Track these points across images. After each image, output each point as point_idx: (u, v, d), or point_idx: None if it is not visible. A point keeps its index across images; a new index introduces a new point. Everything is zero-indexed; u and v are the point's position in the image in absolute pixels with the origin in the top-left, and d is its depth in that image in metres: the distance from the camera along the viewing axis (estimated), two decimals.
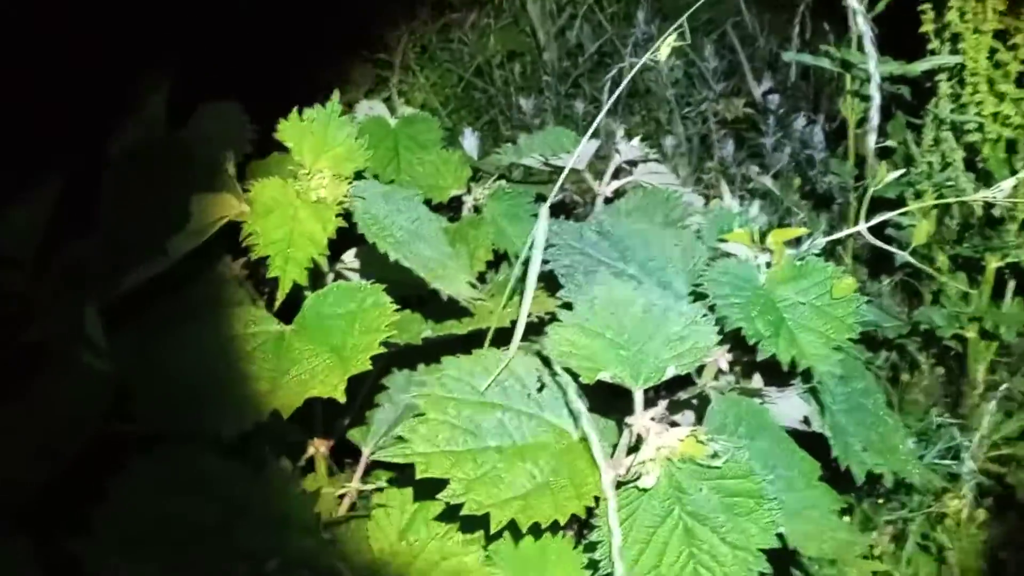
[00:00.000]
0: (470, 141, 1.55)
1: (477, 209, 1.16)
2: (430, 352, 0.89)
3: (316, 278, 0.75)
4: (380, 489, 0.84)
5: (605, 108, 0.82)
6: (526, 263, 0.81)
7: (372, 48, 2.21)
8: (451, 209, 1.21)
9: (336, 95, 1.37)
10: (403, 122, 1.28)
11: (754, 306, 0.88)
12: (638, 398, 0.68)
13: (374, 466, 0.92)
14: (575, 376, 0.68)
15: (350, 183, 0.78)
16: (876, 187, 0.94)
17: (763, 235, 0.97)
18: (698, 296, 0.89)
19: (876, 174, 0.93)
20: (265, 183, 0.74)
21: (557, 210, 1.26)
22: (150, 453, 0.64)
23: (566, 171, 0.81)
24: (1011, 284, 1.25)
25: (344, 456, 0.96)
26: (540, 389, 0.72)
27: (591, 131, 0.94)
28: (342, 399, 0.66)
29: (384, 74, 2.23)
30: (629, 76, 0.87)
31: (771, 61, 2.21)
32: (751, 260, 0.95)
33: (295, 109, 0.81)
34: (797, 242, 0.99)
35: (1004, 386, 1.18)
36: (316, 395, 0.66)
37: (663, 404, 0.74)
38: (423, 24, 2.26)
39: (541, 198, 1.27)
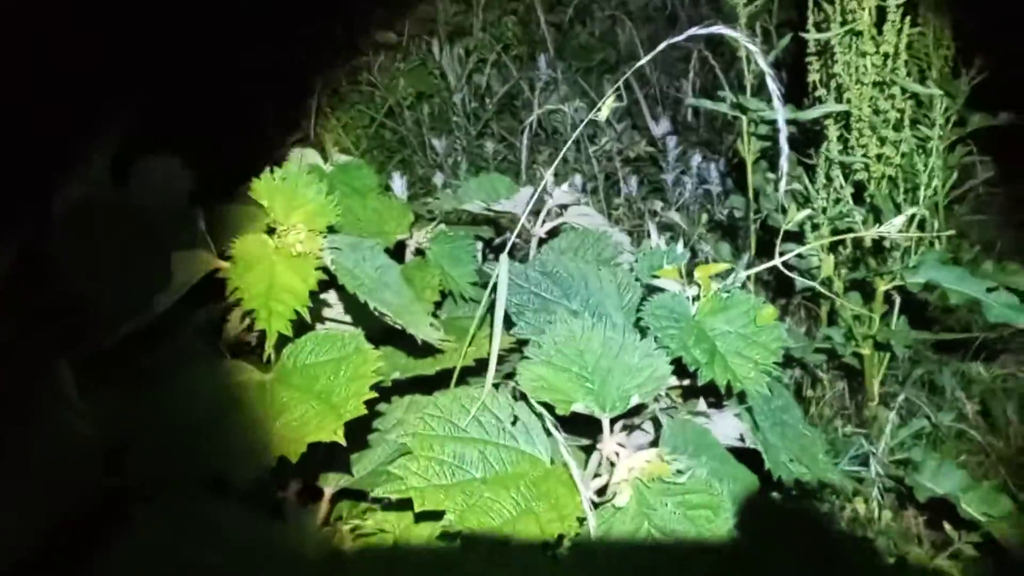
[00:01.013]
0: (399, 184, 1.61)
1: (420, 252, 1.23)
2: (396, 390, 0.95)
3: (301, 328, 0.80)
4: (351, 527, 0.89)
5: (551, 170, 0.91)
6: (490, 306, 0.87)
7: (286, 92, 2.24)
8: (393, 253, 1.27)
9: (300, 153, 1.41)
10: (338, 169, 1.33)
11: (689, 336, 0.97)
12: (606, 425, 0.76)
13: (336, 500, 0.96)
14: (550, 409, 0.75)
15: (324, 237, 0.83)
16: (787, 225, 1.06)
17: (689, 271, 1.07)
18: (640, 330, 0.98)
19: (787, 214, 1.05)
20: (245, 239, 0.79)
21: (496, 250, 1.34)
22: (153, 503, 0.67)
23: (522, 219, 0.88)
24: (898, 303, 1.41)
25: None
26: (514, 422, 0.79)
27: (545, 181, 1.02)
28: (343, 442, 0.71)
29: (294, 116, 2.26)
30: (576, 132, 0.95)
31: (665, 100, 2.37)
32: (681, 294, 1.05)
33: (268, 168, 0.86)
34: (718, 276, 1.10)
35: (901, 396, 1.32)
36: (316, 440, 0.71)
37: (619, 427, 0.82)
38: (332, 68, 2.31)
39: (479, 239, 1.34)
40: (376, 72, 2.38)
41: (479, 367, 0.97)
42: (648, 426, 0.90)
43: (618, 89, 0.90)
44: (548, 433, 0.75)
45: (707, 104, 1.61)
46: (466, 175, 2.06)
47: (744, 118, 1.59)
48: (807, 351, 1.46)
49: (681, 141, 2.23)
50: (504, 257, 0.87)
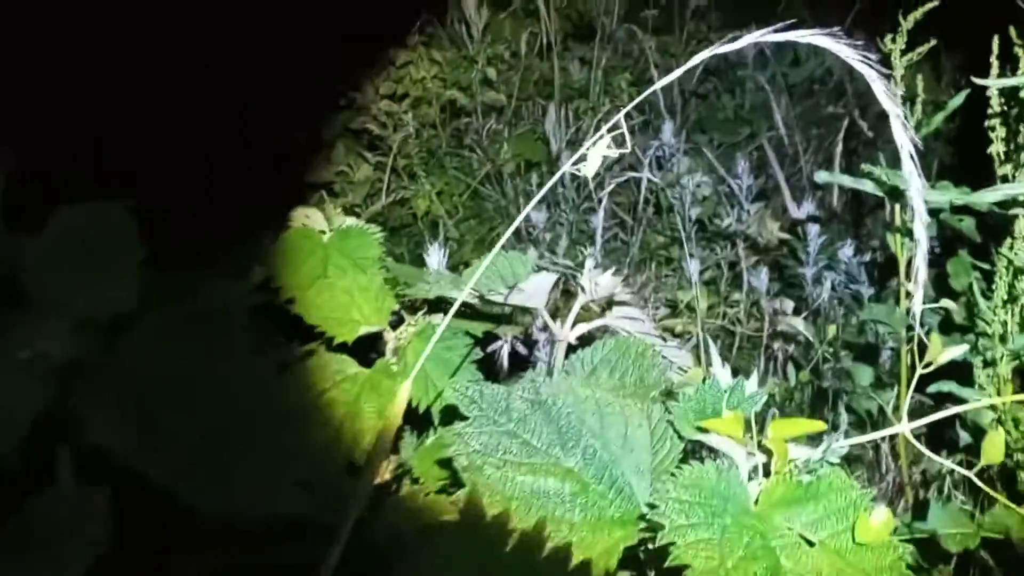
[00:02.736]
0: (436, 258, 1.28)
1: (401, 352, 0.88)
2: None
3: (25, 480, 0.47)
4: None
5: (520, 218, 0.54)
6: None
7: (374, 149, 2.00)
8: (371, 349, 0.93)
9: (304, 214, 1.14)
10: (338, 235, 1.02)
11: (736, 545, 0.56)
12: None
13: None
14: None
15: (111, 329, 0.50)
16: (925, 369, 0.62)
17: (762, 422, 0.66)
18: (650, 526, 0.58)
19: (928, 349, 0.62)
20: None
21: (513, 362, 0.97)
22: None
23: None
24: None
25: None
26: None
27: (508, 234, 0.65)
28: None
29: (386, 178, 2.01)
30: (554, 180, 0.58)
31: (814, 183, 1.93)
32: (741, 463, 0.64)
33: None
34: (815, 437, 0.67)
35: None
36: None
37: None
38: (431, 128, 2.05)
39: (492, 337, 0.98)
40: (483, 136, 2.10)
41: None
42: None
43: (615, 128, 0.52)
44: None
45: (846, 181, 1.18)
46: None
47: (896, 204, 1.15)
48: (971, 541, 0.97)
49: (827, 230, 1.78)
50: (406, 386, 0.51)
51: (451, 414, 0.75)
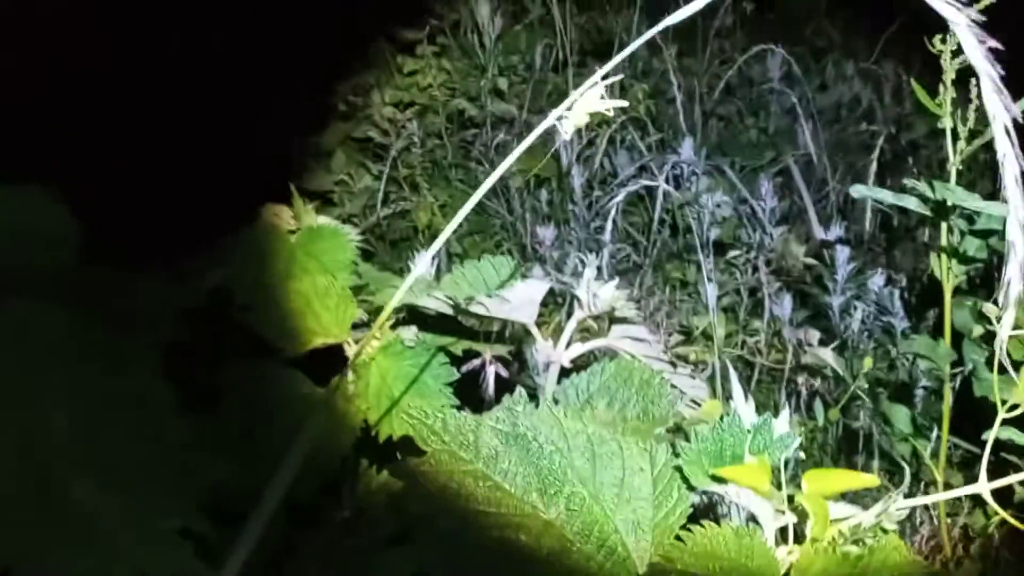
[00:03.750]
0: (423, 267, 1.14)
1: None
2: None
3: None
4: None
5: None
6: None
7: (378, 160, 1.88)
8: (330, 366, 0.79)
9: (273, 211, 1.03)
10: (306, 235, 0.90)
11: None
12: None
13: None
14: None
15: None
16: (1009, 413, 0.48)
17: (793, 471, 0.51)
18: None
19: (1017, 387, 0.47)
20: None
21: (502, 390, 0.83)
22: None
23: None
24: None
25: None
26: None
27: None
28: None
29: (387, 189, 1.89)
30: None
31: (843, 207, 1.80)
32: (767, 523, 0.49)
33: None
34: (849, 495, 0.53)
35: None
36: None
37: None
38: (436, 137, 1.93)
39: (471, 356, 0.84)
40: (492, 148, 1.98)
41: None
42: None
43: (622, 72, 0.39)
44: None
45: (886, 196, 1.04)
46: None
47: (943, 223, 1.01)
48: None
49: (856, 258, 1.63)
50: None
51: (411, 446, 0.62)
